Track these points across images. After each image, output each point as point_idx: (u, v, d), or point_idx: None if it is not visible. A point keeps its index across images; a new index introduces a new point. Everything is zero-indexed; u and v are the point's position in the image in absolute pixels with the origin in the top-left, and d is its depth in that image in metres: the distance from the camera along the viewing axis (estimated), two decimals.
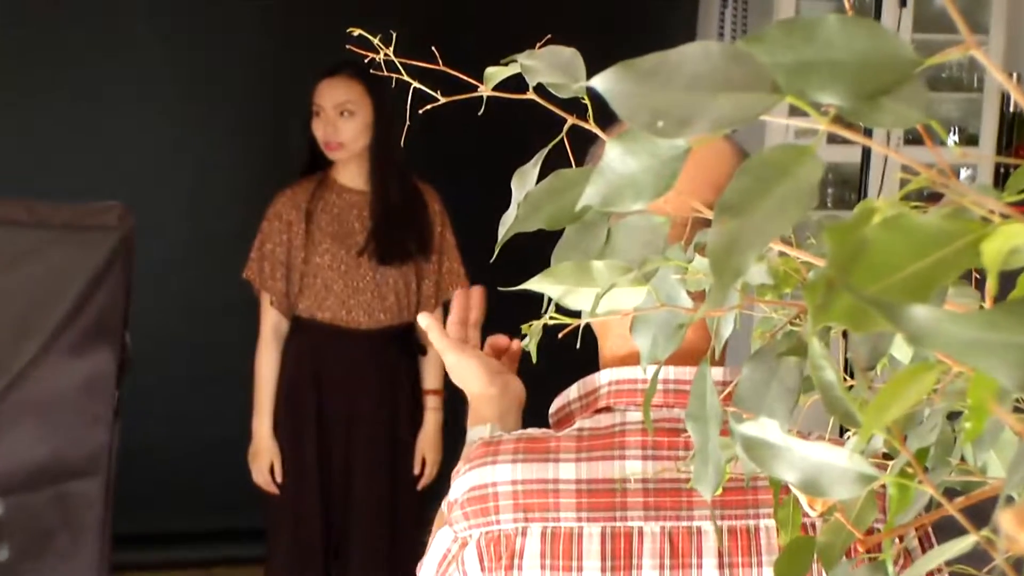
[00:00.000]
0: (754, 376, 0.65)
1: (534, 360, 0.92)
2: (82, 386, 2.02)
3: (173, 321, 3.84)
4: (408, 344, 3.39)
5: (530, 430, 1.29)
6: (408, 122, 0.80)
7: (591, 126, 0.74)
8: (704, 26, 4.21)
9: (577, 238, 0.74)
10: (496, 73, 0.80)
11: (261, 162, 3.93)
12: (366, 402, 3.32)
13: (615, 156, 0.50)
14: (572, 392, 1.32)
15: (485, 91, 0.80)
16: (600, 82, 0.47)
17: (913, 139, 4.09)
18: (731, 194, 0.48)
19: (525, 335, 0.76)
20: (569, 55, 0.77)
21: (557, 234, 0.79)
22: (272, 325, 3.31)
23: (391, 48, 0.77)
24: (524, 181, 0.77)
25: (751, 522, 1.22)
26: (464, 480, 1.26)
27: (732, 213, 0.47)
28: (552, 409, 1.36)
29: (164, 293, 3.78)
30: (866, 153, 3.30)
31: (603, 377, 1.28)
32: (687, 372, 1.24)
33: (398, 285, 3.30)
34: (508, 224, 0.76)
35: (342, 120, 3.19)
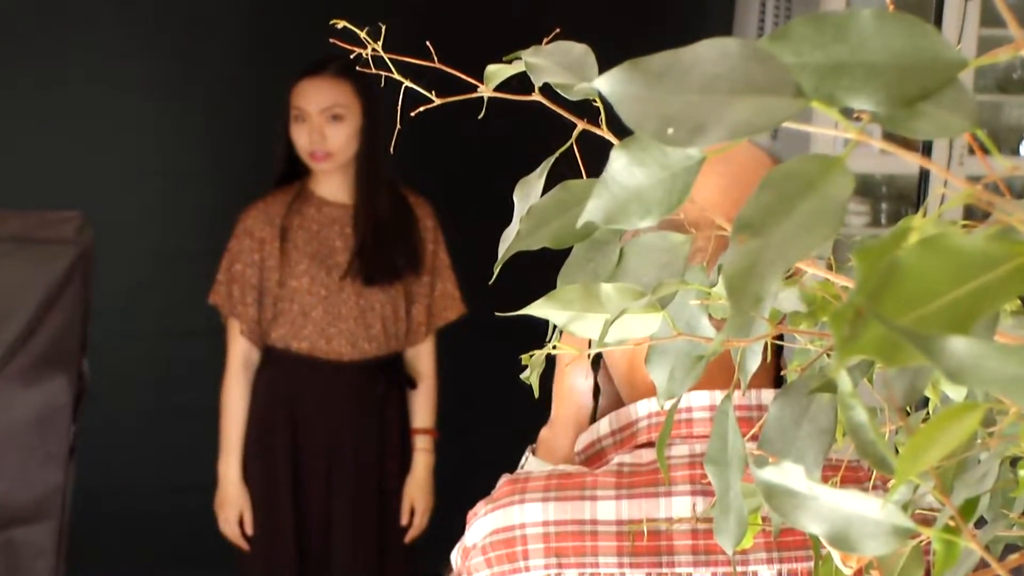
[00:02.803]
0: (783, 415, 0.65)
1: (536, 394, 0.92)
2: (33, 420, 2.02)
3: (135, 348, 3.83)
4: (396, 377, 3.39)
5: (562, 466, 1.29)
6: (399, 126, 0.80)
7: (603, 132, 0.74)
8: (742, 21, 4.23)
9: (586, 258, 0.75)
10: (498, 72, 0.81)
11: (237, 170, 3.94)
12: (348, 444, 3.31)
13: (620, 167, 0.51)
14: (602, 427, 1.32)
15: (486, 91, 0.80)
16: (604, 83, 0.48)
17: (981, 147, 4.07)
18: (750, 210, 0.48)
19: (526, 366, 0.77)
20: (580, 52, 0.78)
21: (564, 252, 0.79)
22: (241, 356, 3.30)
23: (379, 43, 0.78)
24: (527, 193, 0.78)
25: (812, 564, 1.22)
26: (485, 522, 1.26)
27: (751, 232, 0.48)
28: (577, 447, 1.35)
29: (125, 316, 3.78)
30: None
31: (641, 409, 1.28)
32: (736, 396, 1.24)
33: (385, 311, 3.30)
34: (509, 241, 0.77)
35: (329, 126, 3.17)
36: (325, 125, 3.17)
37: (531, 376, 0.74)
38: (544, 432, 1.49)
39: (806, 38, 0.49)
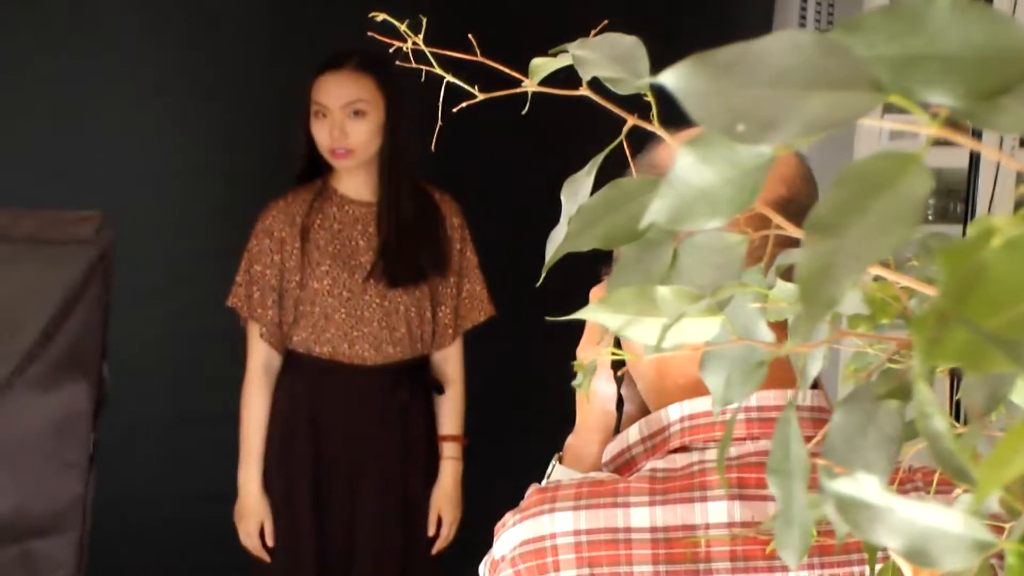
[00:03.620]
0: (848, 423, 0.65)
1: (587, 399, 0.92)
2: (52, 427, 2.03)
3: (150, 352, 3.84)
4: (421, 382, 3.39)
5: (593, 473, 1.29)
6: (440, 123, 0.80)
7: (655, 127, 0.74)
8: (782, 12, 4.22)
9: (637, 259, 0.74)
10: (543, 65, 0.81)
11: (256, 168, 3.94)
12: (372, 451, 3.31)
13: (687, 165, 0.50)
14: (632, 435, 1.32)
15: (531, 86, 0.80)
16: (670, 78, 0.48)
17: None
18: (824, 210, 0.48)
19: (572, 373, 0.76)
20: (629, 45, 0.77)
21: (600, 253, 0.79)
22: (261, 361, 3.31)
23: (420, 36, 0.78)
24: (576, 192, 0.78)
25: (855, 568, 1.22)
26: (515, 533, 1.26)
27: (825, 233, 0.48)
28: (606, 457, 1.35)
29: (140, 319, 3.79)
30: (974, 158, 3.29)
31: (673, 413, 1.28)
32: (771, 397, 1.24)
33: (410, 313, 3.30)
34: (557, 242, 0.77)
35: (351, 122, 3.18)
36: (346, 121, 3.17)
37: (583, 383, 0.74)
38: (570, 440, 1.50)
39: (880, 29, 0.49)
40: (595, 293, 1.45)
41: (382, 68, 3.20)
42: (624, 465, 1.32)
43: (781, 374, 1.23)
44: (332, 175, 3.30)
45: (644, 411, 1.46)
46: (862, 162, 0.49)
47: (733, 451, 1.25)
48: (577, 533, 1.22)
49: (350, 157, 3.19)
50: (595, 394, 1.45)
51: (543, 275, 0.78)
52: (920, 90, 0.49)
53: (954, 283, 0.43)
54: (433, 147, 0.85)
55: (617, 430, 1.43)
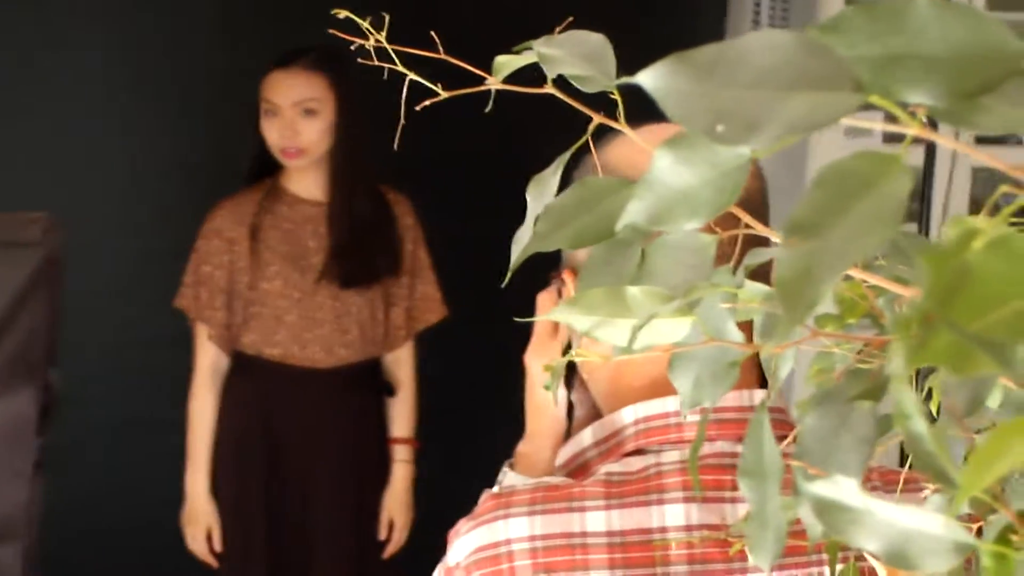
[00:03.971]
0: (821, 424, 0.65)
1: (555, 403, 0.92)
2: None
3: (96, 355, 3.81)
4: (373, 385, 3.38)
5: (547, 478, 1.29)
6: (404, 121, 0.80)
7: (621, 126, 0.74)
8: (736, 9, 4.24)
9: (606, 260, 0.74)
10: (507, 63, 0.81)
11: (204, 167, 3.92)
12: (324, 454, 3.30)
13: (666, 166, 0.50)
14: (585, 438, 1.32)
15: (494, 83, 0.80)
16: (648, 78, 0.48)
17: (990, 138, 4.09)
18: (804, 211, 0.48)
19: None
20: (596, 43, 0.78)
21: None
22: (210, 363, 3.29)
23: (382, 33, 0.77)
24: (542, 191, 0.77)
25: (814, 569, 1.23)
26: (469, 540, 1.26)
27: (806, 233, 0.48)
28: (559, 461, 1.36)
29: (85, 321, 3.75)
30: (930, 154, 3.32)
31: (627, 416, 1.28)
32: (728, 398, 1.25)
33: (362, 314, 3.29)
34: (523, 243, 0.76)
35: (302, 121, 3.16)
36: (297, 119, 3.16)
37: (551, 384, 0.74)
38: (521, 447, 1.50)
39: (860, 29, 0.49)
40: (542, 298, 1.45)
41: (335, 66, 3.19)
42: (578, 469, 1.32)
43: (745, 373, 1.23)
44: (283, 174, 3.28)
45: (595, 415, 1.46)
46: (842, 162, 0.49)
47: (689, 452, 1.25)
48: (532, 539, 1.22)
49: (301, 156, 3.18)
50: (544, 400, 1.46)
51: (508, 276, 0.78)
52: (901, 90, 0.49)
53: (938, 285, 0.43)
54: (396, 145, 0.84)
55: (568, 435, 1.43)
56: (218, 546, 3.28)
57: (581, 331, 0.67)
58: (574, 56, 0.77)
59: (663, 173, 0.51)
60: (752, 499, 0.65)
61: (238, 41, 3.95)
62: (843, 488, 0.51)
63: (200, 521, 3.27)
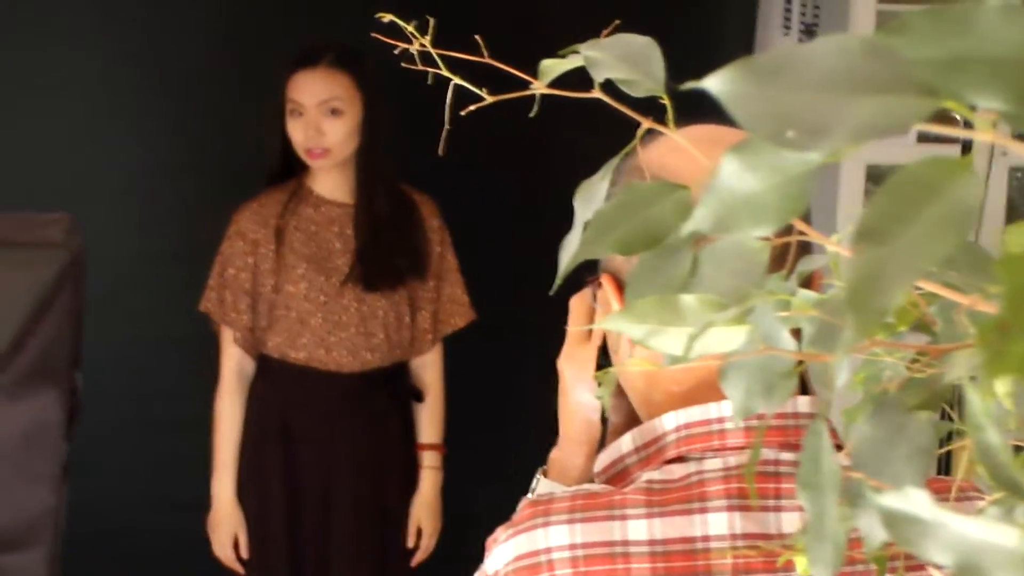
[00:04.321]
0: (877, 435, 0.65)
1: (606, 412, 0.92)
2: (22, 438, 2.02)
3: (115, 357, 3.81)
4: (399, 389, 3.38)
5: (587, 485, 1.29)
6: (448, 125, 0.80)
7: (670, 131, 0.74)
8: (766, 10, 4.23)
9: (655, 267, 0.74)
10: (553, 66, 0.81)
11: (224, 166, 3.92)
12: (348, 460, 3.31)
13: (731, 172, 0.50)
14: (625, 444, 1.32)
15: (540, 88, 0.80)
16: (715, 83, 0.48)
17: None
18: (871, 218, 0.48)
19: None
20: (642, 45, 0.78)
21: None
22: (234, 366, 3.30)
23: (427, 38, 0.77)
24: (590, 197, 0.77)
25: None
26: (508, 548, 1.26)
27: (874, 241, 0.48)
28: (597, 468, 1.36)
29: (105, 325, 3.77)
30: (966, 155, 3.31)
31: (668, 422, 1.28)
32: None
33: (388, 318, 3.29)
34: (571, 249, 0.76)
35: (327, 121, 3.16)
36: (322, 120, 3.16)
37: (603, 394, 0.74)
38: (554, 453, 1.50)
39: (924, 32, 0.49)
40: (575, 302, 1.45)
41: (359, 64, 3.19)
42: (617, 476, 1.32)
43: (795, 384, 1.23)
44: (307, 175, 3.29)
45: (630, 422, 1.46)
46: (910, 168, 0.49)
47: (732, 460, 1.25)
48: (573, 547, 1.22)
49: (326, 157, 3.18)
50: (577, 405, 1.46)
51: (557, 283, 0.78)
52: (967, 94, 0.49)
53: (1015, 293, 0.43)
54: (441, 150, 0.84)
55: (602, 442, 1.43)
56: (244, 552, 3.28)
57: (634, 340, 0.67)
58: (620, 59, 0.77)
59: (729, 179, 0.51)
60: (810, 510, 0.65)
61: (252, 40, 3.95)
62: (913, 500, 0.51)
63: (226, 527, 3.28)
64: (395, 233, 3.26)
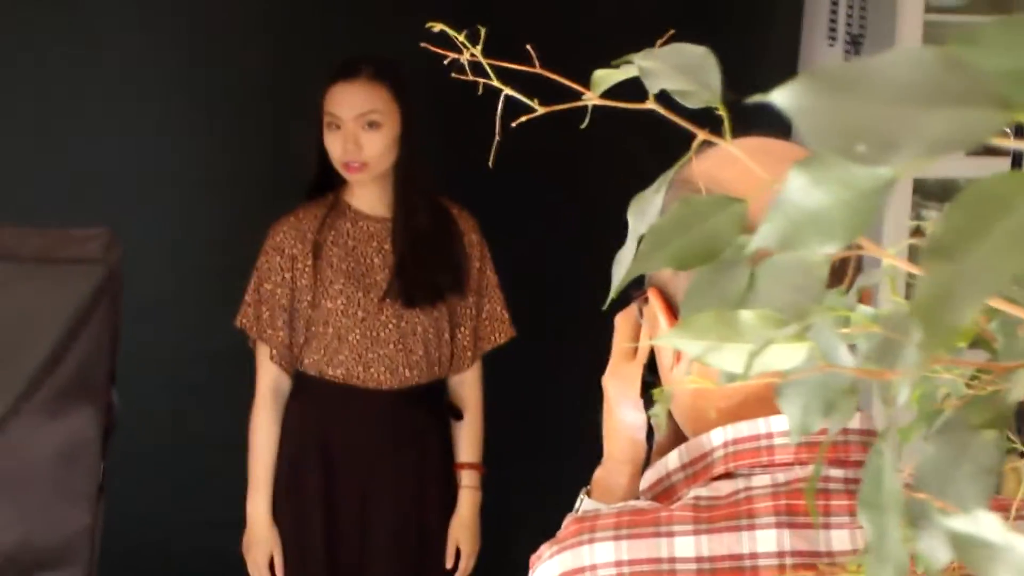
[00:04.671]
0: (940, 454, 0.65)
1: (662, 431, 0.92)
2: (59, 456, 2.03)
3: (149, 373, 3.83)
4: (438, 407, 3.39)
5: (633, 502, 1.29)
6: (499, 136, 0.81)
7: (727, 143, 0.74)
8: (811, 14, 4.23)
9: (711, 281, 0.74)
10: (606, 77, 0.81)
11: (260, 180, 3.94)
12: (386, 479, 3.31)
13: (798, 187, 0.50)
14: (671, 461, 1.32)
15: (592, 98, 0.80)
16: (783, 97, 0.48)
17: None
18: (943, 233, 0.48)
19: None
20: (698, 55, 0.78)
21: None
22: (271, 384, 3.31)
23: (479, 47, 0.78)
24: (643, 210, 0.77)
25: None
26: (552, 565, 1.26)
27: (945, 257, 0.48)
28: (643, 485, 1.36)
29: (138, 341, 3.79)
30: (1016, 167, 3.29)
31: (716, 438, 1.28)
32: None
33: (427, 335, 3.29)
34: (625, 264, 0.76)
35: (365, 134, 3.17)
36: (360, 133, 3.17)
37: (658, 413, 0.74)
38: (598, 473, 1.50)
39: (999, 42, 0.49)
40: (621, 319, 1.45)
41: (397, 77, 3.21)
42: (663, 493, 1.32)
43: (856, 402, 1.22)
44: (345, 189, 3.30)
45: (676, 439, 1.46)
46: (981, 183, 0.49)
47: (780, 477, 1.25)
48: (619, 564, 1.22)
49: (364, 170, 3.19)
50: (622, 423, 1.46)
51: (611, 297, 0.78)
52: None
53: None
54: (491, 163, 0.84)
55: (647, 461, 1.43)
56: (280, 574, 3.29)
57: (691, 356, 0.67)
58: (675, 69, 0.78)
59: (795, 194, 0.51)
60: (871, 531, 0.65)
61: (291, 51, 3.97)
62: (983, 523, 0.51)
63: (262, 547, 3.28)
64: (435, 248, 3.27)
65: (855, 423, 1.27)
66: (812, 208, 0.50)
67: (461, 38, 0.77)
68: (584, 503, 1.49)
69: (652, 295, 1.33)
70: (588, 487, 1.51)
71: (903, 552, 0.63)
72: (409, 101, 3.22)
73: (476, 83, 0.83)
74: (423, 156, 3.26)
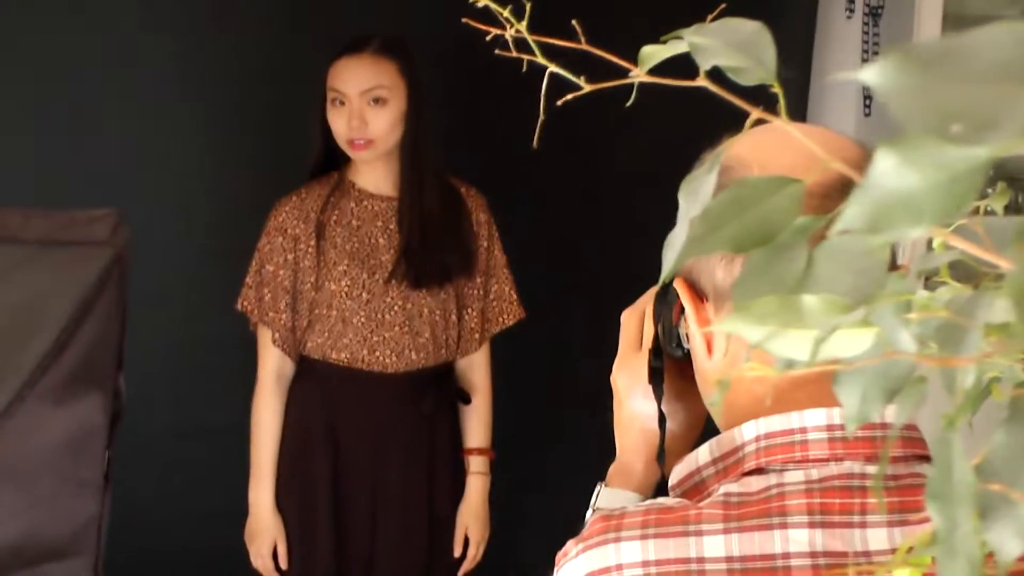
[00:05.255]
0: (1011, 442, 0.64)
1: (719, 420, 0.91)
2: (65, 444, 2.02)
3: (152, 359, 3.83)
4: (446, 391, 3.38)
5: (660, 499, 1.29)
6: (543, 116, 0.80)
7: (784, 121, 0.74)
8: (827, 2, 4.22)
9: (766, 265, 0.74)
10: (654, 53, 0.80)
11: (265, 159, 3.93)
12: (394, 465, 3.31)
13: (888, 168, 0.50)
14: (701, 455, 1.31)
15: (640, 75, 0.80)
16: (873, 75, 0.47)
17: None
18: None
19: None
20: (752, 31, 0.77)
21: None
22: (274, 368, 3.30)
23: (523, 23, 0.77)
24: (695, 191, 0.77)
25: None
26: (578, 564, 1.25)
27: None
28: (672, 480, 1.35)
29: (140, 323, 3.79)
30: None
31: (747, 432, 1.27)
32: None
33: (434, 316, 3.29)
34: (676, 246, 0.76)
35: (371, 110, 3.16)
36: (366, 109, 3.16)
37: (716, 400, 0.73)
38: (613, 467, 1.49)
39: None
40: (626, 315, 1.45)
41: (404, 52, 3.19)
42: (693, 489, 1.31)
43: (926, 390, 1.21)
44: (349, 168, 3.29)
45: (690, 429, 1.46)
46: None
47: (814, 473, 1.23)
48: (646, 564, 1.22)
49: (370, 148, 3.18)
50: (633, 414, 1.45)
51: (661, 281, 0.77)
52: None
53: None
54: (535, 143, 0.84)
55: (661, 450, 1.42)
56: (284, 563, 3.29)
57: (752, 343, 0.66)
58: (728, 46, 0.77)
59: (885, 176, 0.50)
60: (940, 524, 0.64)
61: (292, 32, 3.96)
62: None
63: (265, 536, 3.28)
64: (443, 228, 3.26)
65: (890, 417, 1.25)
66: (903, 190, 0.50)
67: (506, 13, 0.77)
68: (602, 494, 1.49)
69: (679, 285, 1.32)
70: (604, 482, 1.51)
71: (975, 545, 0.63)
72: (416, 77, 3.21)
73: (502, 59, 0.82)
74: (430, 133, 3.25)
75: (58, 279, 2.02)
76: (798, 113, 4.11)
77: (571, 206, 4.06)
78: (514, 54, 0.78)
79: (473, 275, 3.32)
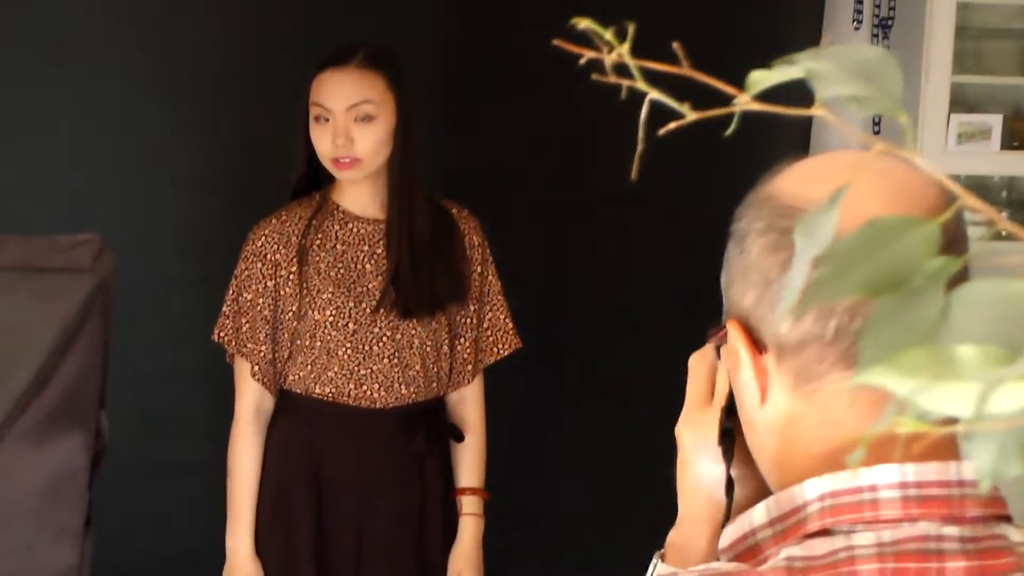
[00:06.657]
0: None
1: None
2: (44, 487, 1.99)
3: (122, 394, 3.78)
4: (438, 428, 3.35)
5: (715, 564, 1.26)
6: (642, 145, 0.78)
7: (906, 151, 0.72)
8: (834, 2, 4.24)
9: (895, 311, 0.72)
10: (762, 79, 0.78)
11: (242, 178, 3.91)
12: (382, 507, 3.27)
13: None
14: (756, 515, 1.27)
15: (746, 102, 0.78)
16: None
17: None
18: None
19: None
20: (875, 57, 0.76)
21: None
22: (252, 403, 3.26)
23: (626, 45, 0.75)
24: (814, 232, 0.75)
25: None
26: None
27: None
28: (723, 543, 1.31)
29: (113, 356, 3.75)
30: None
31: (810, 490, 1.24)
32: (932, 471, 1.20)
33: (425, 348, 3.25)
34: (794, 289, 0.74)
35: (357, 127, 3.12)
36: (352, 126, 3.12)
37: (855, 456, 0.71)
38: (672, 535, 1.45)
39: None
40: (695, 360, 1.41)
41: (392, 64, 3.17)
42: (747, 552, 1.28)
43: (941, 444, 1.18)
44: (333, 187, 3.26)
45: (760, 495, 1.42)
46: None
47: (887, 535, 1.20)
48: None
49: (356, 167, 3.14)
50: (700, 478, 1.41)
51: (782, 325, 0.75)
52: None
53: None
54: (633, 175, 0.82)
55: (727, 519, 1.38)
56: None
57: (900, 396, 0.65)
58: (851, 73, 0.75)
59: None
60: None
61: (278, 40, 3.94)
62: None
63: None
64: (434, 253, 3.22)
65: (972, 474, 1.22)
66: None
67: (608, 34, 0.75)
68: (658, 568, 1.45)
69: (732, 327, 1.28)
70: (661, 550, 1.47)
71: None
72: (406, 91, 3.18)
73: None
74: (420, 151, 3.22)
75: (38, 309, 1.99)
76: (803, 128, 4.12)
77: (570, 228, 4.05)
78: (612, 79, 0.76)
79: (466, 302, 3.29)
